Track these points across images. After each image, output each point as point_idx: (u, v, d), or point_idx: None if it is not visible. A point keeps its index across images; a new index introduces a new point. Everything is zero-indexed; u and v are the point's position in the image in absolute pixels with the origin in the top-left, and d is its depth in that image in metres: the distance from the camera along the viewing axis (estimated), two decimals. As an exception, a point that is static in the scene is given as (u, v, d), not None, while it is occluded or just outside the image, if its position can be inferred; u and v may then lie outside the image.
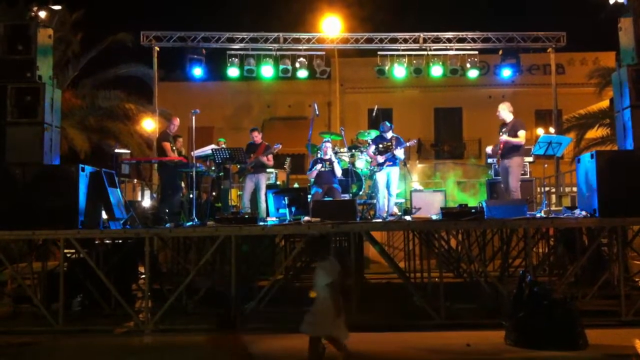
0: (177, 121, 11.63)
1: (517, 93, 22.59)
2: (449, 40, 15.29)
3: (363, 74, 23.24)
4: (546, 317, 6.99)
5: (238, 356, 7.26)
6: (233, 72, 15.45)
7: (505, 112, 10.78)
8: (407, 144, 11.79)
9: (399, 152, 11.49)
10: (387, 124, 11.82)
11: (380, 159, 11.44)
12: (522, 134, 10.50)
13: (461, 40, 15.32)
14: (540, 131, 11.32)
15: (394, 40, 15.45)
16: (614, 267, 9.48)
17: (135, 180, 17.31)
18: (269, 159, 12.07)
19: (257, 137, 12.27)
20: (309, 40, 15.55)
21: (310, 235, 6.18)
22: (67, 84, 20.00)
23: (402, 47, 15.42)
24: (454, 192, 18.50)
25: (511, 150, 10.56)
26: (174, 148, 11.36)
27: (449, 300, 8.66)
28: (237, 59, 15.34)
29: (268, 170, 12.55)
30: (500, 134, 10.72)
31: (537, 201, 13.36)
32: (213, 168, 12.46)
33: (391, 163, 11.47)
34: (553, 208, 12.41)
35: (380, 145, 11.59)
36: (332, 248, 6.22)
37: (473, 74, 15.65)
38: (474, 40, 15.27)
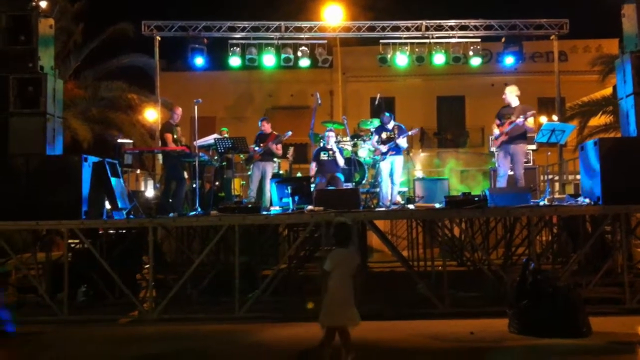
0: (179, 111, 11.60)
1: (520, 81, 22.28)
2: (452, 28, 15.25)
3: (365, 63, 23.15)
4: (550, 305, 6.99)
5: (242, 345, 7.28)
6: (235, 61, 15.43)
7: (512, 95, 10.61)
8: (409, 132, 11.77)
9: (402, 141, 11.48)
10: (387, 114, 11.78)
11: (384, 148, 11.43)
12: (532, 120, 10.43)
13: (463, 27, 15.27)
14: (543, 119, 11.27)
15: (396, 29, 15.41)
16: (618, 255, 9.47)
17: (138, 170, 17.34)
18: (278, 148, 12.06)
19: (267, 126, 12.22)
20: (310, 29, 15.51)
21: (337, 221, 6.16)
22: (69, 74, 20.03)
23: (404, 35, 15.39)
24: (457, 181, 18.51)
25: (520, 136, 10.51)
26: (176, 137, 11.34)
27: (452, 288, 8.67)
28: (238, 48, 15.32)
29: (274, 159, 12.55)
30: (506, 118, 10.51)
31: (541, 189, 13.35)
32: (216, 157, 12.47)
33: (394, 152, 11.46)
34: (556, 196, 12.41)
35: (383, 135, 11.57)
36: (352, 238, 6.14)
37: (476, 61, 15.62)
38: (476, 27, 15.23)
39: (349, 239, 6.00)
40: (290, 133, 12.07)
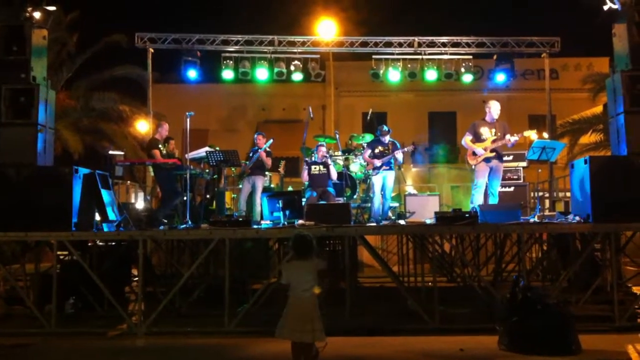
0: (166, 125, 11.61)
1: (511, 98, 22.65)
2: (444, 45, 15.33)
3: (358, 78, 23.23)
4: (539, 322, 7.00)
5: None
6: (228, 74, 15.44)
7: (497, 110, 10.69)
8: (406, 149, 11.77)
9: (399, 156, 11.49)
10: (385, 127, 11.78)
11: (377, 162, 11.43)
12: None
13: (456, 44, 15.35)
14: (533, 136, 11.35)
15: (388, 44, 15.48)
16: (607, 273, 9.50)
17: (129, 182, 17.27)
18: (267, 159, 12.05)
19: (262, 142, 12.20)
20: (303, 44, 15.56)
21: (296, 234, 6.17)
22: (61, 85, 19.95)
23: (396, 51, 15.45)
24: (448, 196, 18.55)
25: (501, 154, 10.60)
26: (165, 152, 11.31)
27: (442, 304, 8.66)
28: (231, 62, 15.33)
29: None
30: (487, 133, 10.51)
31: (531, 206, 13.39)
32: (207, 170, 12.44)
33: (388, 167, 11.48)
34: (547, 213, 12.44)
35: (377, 150, 11.58)
36: (313, 251, 6.09)
37: (467, 78, 15.68)
38: (468, 44, 15.31)
39: (309, 251, 5.97)
40: (272, 140, 12.09)
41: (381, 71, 15.55)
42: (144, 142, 18.80)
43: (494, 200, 10.43)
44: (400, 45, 15.45)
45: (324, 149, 11.98)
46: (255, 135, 12.48)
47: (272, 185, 13.40)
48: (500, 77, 15.54)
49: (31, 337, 8.24)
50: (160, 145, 11.27)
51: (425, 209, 12.00)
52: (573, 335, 7.00)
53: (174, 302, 9.34)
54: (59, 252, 9.06)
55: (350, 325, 8.28)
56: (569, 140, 19.27)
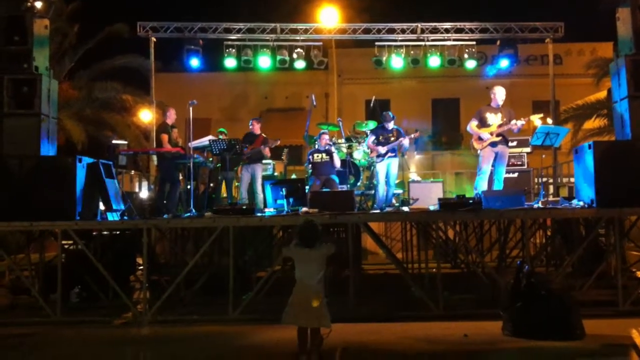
0: (172, 111, 11.61)
1: (515, 84, 22.54)
2: (447, 31, 15.26)
3: (360, 65, 23.11)
4: (543, 308, 7.01)
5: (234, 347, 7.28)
6: (230, 63, 15.40)
7: (503, 96, 10.66)
8: (412, 135, 11.73)
9: (406, 142, 11.45)
10: (390, 114, 11.69)
11: (382, 149, 11.37)
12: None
13: (459, 30, 15.28)
14: (537, 122, 11.29)
15: (391, 31, 15.42)
16: (611, 258, 9.49)
17: (133, 171, 17.30)
18: (267, 151, 12.05)
19: (256, 127, 12.25)
20: (306, 31, 15.50)
21: (304, 220, 6.21)
22: (63, 75, 19.97)
23: (399, 38, 15.40)
24: (452, 183, 18.54)
25: (506, 139, 10.56)
26: (171, 139, 11.32)
27: (446, 291, 8.67)
28: (234, 50, 15.29)
29: (266, 161, 12.53)
30: (491, 118, 10.47)
31: (535, 192, 13.38)
32: (211, 159, 12.45)
33: (392, 154, 11.43)
34: (551, 199, 12.42)
35: (381, 137, 11.53)
36: (318, 238, 6.11)
37: (471, 64, 15.62)
38: (471, 30, 15.24)
39: (314, 239, 6.00)
40: (278, 141, 12.09)
41: (384, 58, 15.50)
42: (147, 131, 18.84)
43: (498, 186, 10.40)
44: (403, 31, 15.39)
45: (327, 136, 11.96)
46: (251, 121, 12.47)
47: (275, 173, 13.41)
48: (504, 63, 15.47)
49: (37, 326, 8.29)
50: (169, 130, 11.28)
51: (428, 196, 11.98)
52: (577, 320, 7.01)
53: (179, 291, 9.37)
54: (63, 242, 9.08)
55: (355, 312, 8.30)
56: (572, 126, 19.21)
